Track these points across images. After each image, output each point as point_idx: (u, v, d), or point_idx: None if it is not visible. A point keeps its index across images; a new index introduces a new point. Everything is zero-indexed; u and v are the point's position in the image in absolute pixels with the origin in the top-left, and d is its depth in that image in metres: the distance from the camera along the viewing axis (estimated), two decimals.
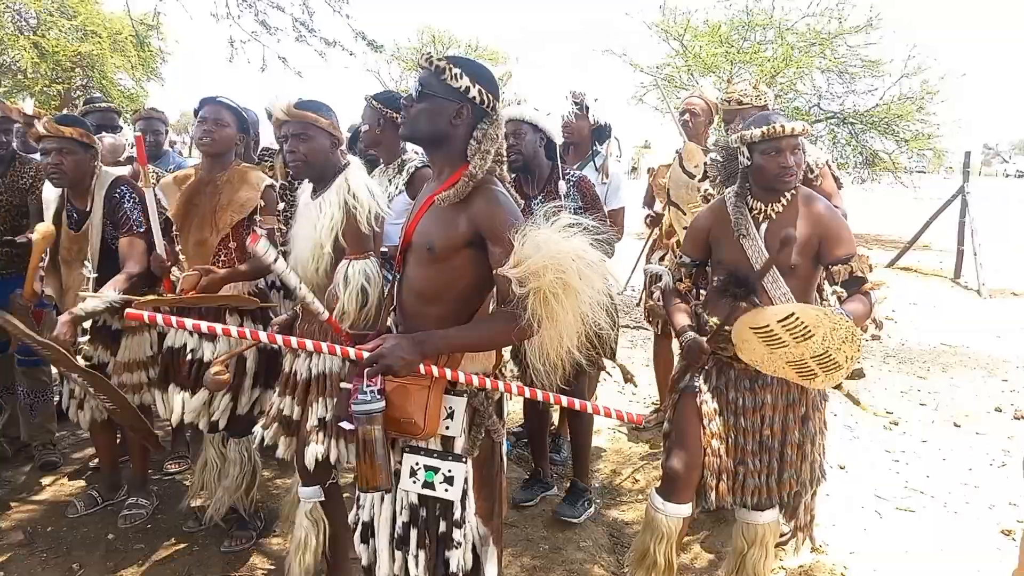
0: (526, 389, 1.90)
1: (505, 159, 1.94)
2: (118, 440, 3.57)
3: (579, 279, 1.66)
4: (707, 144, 3.90)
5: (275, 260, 2.02)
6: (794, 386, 2.48)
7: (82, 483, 3.74)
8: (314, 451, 2.51)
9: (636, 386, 4.02)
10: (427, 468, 1.87)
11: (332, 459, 2.51)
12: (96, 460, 3.82)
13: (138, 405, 3.13)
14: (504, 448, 2.02)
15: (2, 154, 3.67)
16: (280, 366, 2.79)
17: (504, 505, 2.07)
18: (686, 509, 2.50)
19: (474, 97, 1.80)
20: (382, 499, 1.95)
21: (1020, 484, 3.89)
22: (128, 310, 1.97)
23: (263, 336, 1.98)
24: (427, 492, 1.86)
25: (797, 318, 2.26)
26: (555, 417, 4.30)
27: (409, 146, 3.58)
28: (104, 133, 4.05)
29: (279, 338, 1.97)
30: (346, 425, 1.84)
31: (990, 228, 12.33)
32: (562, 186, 3.33)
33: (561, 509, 3.45)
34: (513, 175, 3.49)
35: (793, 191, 2.46)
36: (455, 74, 1.79)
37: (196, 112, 3.03)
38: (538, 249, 1.65)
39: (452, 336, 1.78)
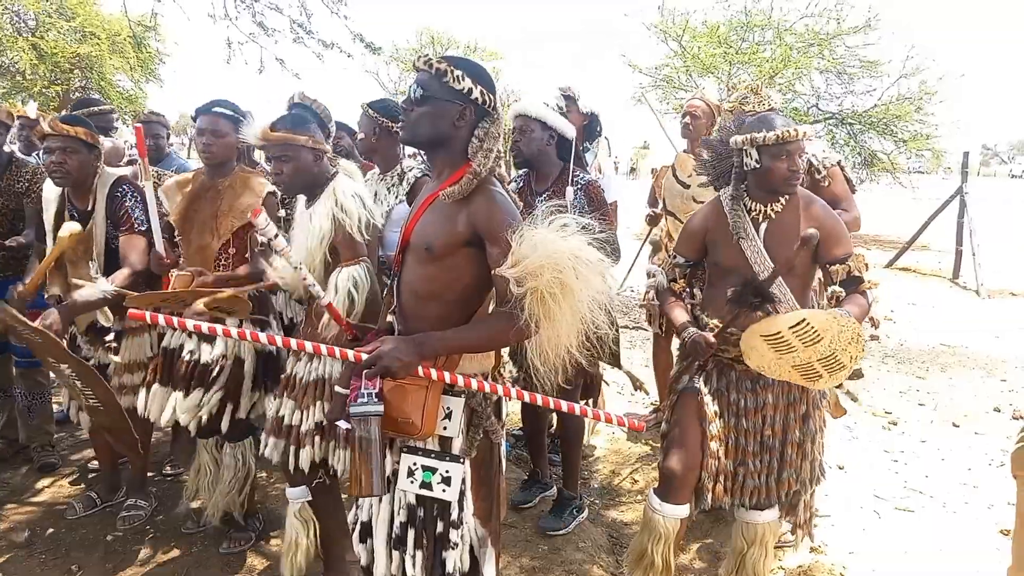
0: (525, 394, 1.90)
1: (503, 158, 1.94)
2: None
3: (576, 279, 1.65)
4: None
5: (275, 236, 2.02)
6: (795, 385, 2.48)
7: (81, 485, 3.73)
8: (308, 454, 2.51)
9: (647, 393, 3.94)
10: (425, 468, 1.86)
11: (318, 460, 2.51)
12: (95, 462, 3.82)
13: (131, 407, 3.13)
14: (503, 449, 2.02)
15: None
16: (279, 370, 2.79)
17: (503, 506, 2.07)
18: (683, 510, 2.50)
19: (476, 98, 1.80)
20: (380, 499, 1.95)
21: (1014, 482, 3.89)
22: (131, 310, 1.97)
23: (263, 337, 1.98)
24: (424, 492, 1.86)
25: (808, 324, 2.27)
26: (554, 418, 4.30)
27: (408, 150, 3.58)
28: (101, 137, 4.04)
29: (279, 339, 1.97)
30: (342, 425, 1.84)
31: (989, 228, 12.34)
32: (569, 192, 3.20)
33: (545, 523, 3.38)
34: (522, 172, 3.48)
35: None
36: (457, 76, 1.78)
37: (194, 118, 3.03)
38: (535, 249, 1.65)
39: (450, 337, 1.78)
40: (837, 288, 2.47)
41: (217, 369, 2.89)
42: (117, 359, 3.25)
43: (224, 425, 2.97)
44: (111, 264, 3.13)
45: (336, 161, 2.65)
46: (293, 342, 1.93)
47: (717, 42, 14.16)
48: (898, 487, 3.93)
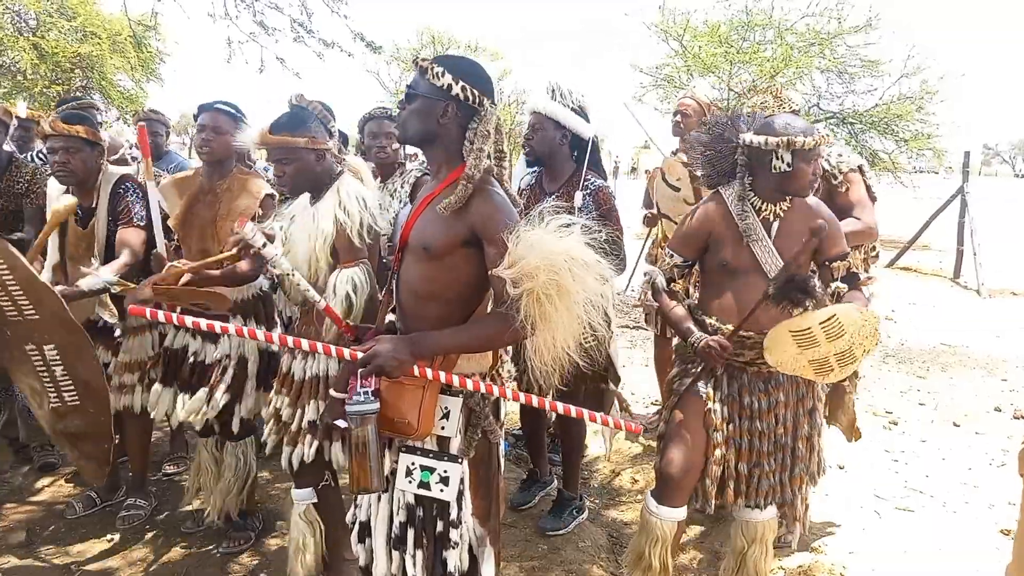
0: (521, 395, 1.90)
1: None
2: (116, 441, 3.57)
3: (573, 281, 1.64)
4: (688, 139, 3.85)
5: (264, 245, 2.01)
6: (802, 380, 2.49)
7: (81, 484, 3.73)
8: (299, 452, 2.51)
9: (631, 415, 3.88)
10: (423, 468, 1.87)
11: (308, 459, 2.51)
12: None
13: (127, 406, 3.12)
14: (502, 449, 2.02)
15: None
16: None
17: (502, 506, 2.07)
18: (680, 512, 2.50)
19: (457, 95, 1.79)
20: (379, 499, 1.95)
21: (1019, 484, 3.89)
22: (132, 306, 1.97)
23: (260, 335, 1.98)
24: (423, 492, 1.86)
25: (837, 318, 2.28)
26: (552, 417, 4.29)
27: (410, 149, 3.58)
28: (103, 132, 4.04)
29: (275, 336, 1.97)
30: (341, 423, 1.84)
31: (990, 228, 12.33)
32: (578, 197, 3.11)
33: (545, 523, 3.38)
34: (534, 169, 3.43)
35: None
36: (436, 72, 1.80)
37: (195, 117, 3.03)
38: (531, 250, 1.64)
39: (445, 337, 1.78)
40: (839, 284, 2.48)
41: (221, 369, 2.90)
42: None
43: (235, 425, 2.97)
44: (111, 261, 3.12)
45: (343, 159, 2.62)
46: (290, 339, 1.93)
47: (718, 42, 14.14)
48: (898, 487, 3.93)
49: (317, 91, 3.02)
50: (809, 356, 2.32)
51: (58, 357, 2.46)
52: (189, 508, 3.41)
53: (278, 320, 3.08)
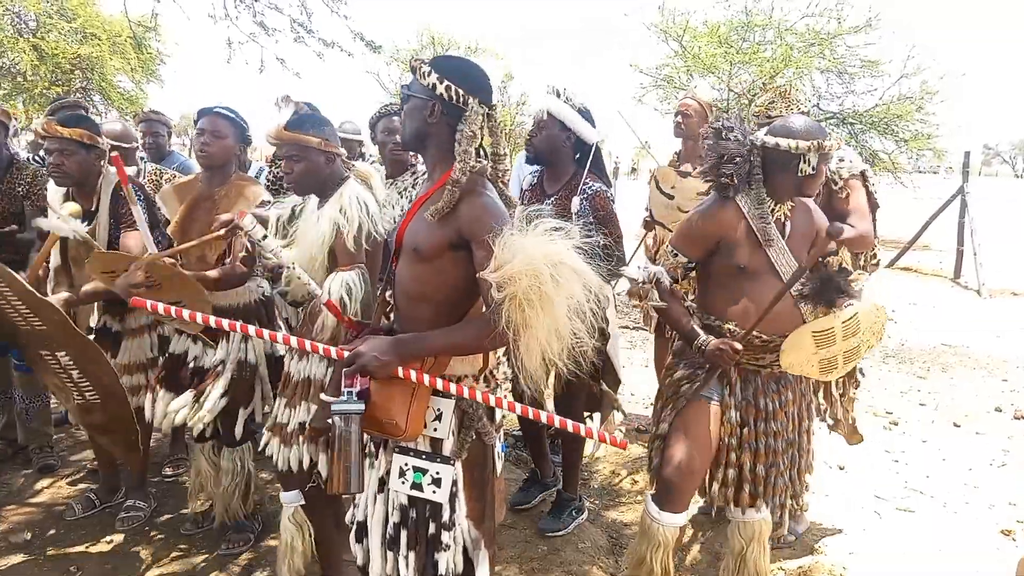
0: (504, 402, 1.87)
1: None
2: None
3: (555, 287, 1.62)
4: (702, 144, 3.84)
5: (263, 238, 2.01)
6: (803, 376, 2.50)
7: (80, 486, 3.73)
8: (287, 456, 2.51)
9: (626, 416, 3.88)
10: (416, 469, 1.86)
11: (306, 464, 2.50)
12: (94, 462, 3.82)
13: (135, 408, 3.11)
14: (498, 451, 2.01)
15: None
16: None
17: (500, 508, 2.06)
18: (682, 518, 2.49)
19: (441, 94, 1.79)
20: (375, 499, 1.95)
21: (1020, 484, 3.89)
22: (133, 298, 1.97)
23: (251, 331, 1.99)
24: (415, 493, 1.86)
25: (858, 317, 2.30)
26: None
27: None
28: (105, 127, 4.02)
29: (266, 333, 1.97)
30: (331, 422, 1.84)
31: (990, 228, 12.33)
32: (575, 202, 3.08)
33: (544, 524, 3.38)
34: (536, 169, 3.42)
35: None
36: (424, 72, 1.81)
37: (195, 121, 3.03)
38: (516, 254, 1.63)
39: (430, 339, 1.77)
40: None
41: (215, 374, 2.89)
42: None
43: (238, 431, 2.97)
44: None
45: (351, 165, 2.64)
46: (279, 335, 1.94)
47: (718, 42, 14.13)
48: (899, 487, 3.92)
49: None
50: (821, 355, 2.32)
51: (72, 362, 2.55)
52: (189, 511, 3.40)
53: (280, 324, 3.08)
